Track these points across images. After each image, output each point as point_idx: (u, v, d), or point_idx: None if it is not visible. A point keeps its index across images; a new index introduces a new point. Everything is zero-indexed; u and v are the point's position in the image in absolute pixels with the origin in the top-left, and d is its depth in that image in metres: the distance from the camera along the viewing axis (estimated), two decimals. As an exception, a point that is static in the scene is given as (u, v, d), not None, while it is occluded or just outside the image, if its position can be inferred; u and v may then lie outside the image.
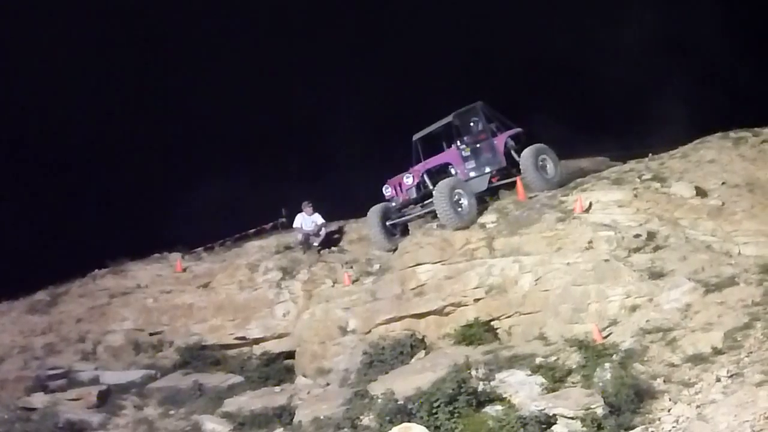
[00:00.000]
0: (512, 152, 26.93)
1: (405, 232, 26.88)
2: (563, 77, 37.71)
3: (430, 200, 25.29)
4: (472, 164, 26.57)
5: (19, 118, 37.84)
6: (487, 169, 26.56)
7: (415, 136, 27.26)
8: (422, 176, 26.11)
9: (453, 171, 26.33)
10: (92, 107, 38.69)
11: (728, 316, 17.93)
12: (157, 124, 37.91)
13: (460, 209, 24.44)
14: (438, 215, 24.68)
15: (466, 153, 26.63)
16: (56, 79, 37.74)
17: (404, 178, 26.20)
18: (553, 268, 21.86)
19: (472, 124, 27.37)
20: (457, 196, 24.56)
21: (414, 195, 26.20)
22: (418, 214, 26.30)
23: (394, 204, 26.91)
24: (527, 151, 26.27)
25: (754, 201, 22.51)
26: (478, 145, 26.83)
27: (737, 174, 23.83)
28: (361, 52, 39.89)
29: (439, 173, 26.20)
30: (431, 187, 25.33)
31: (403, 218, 26.93)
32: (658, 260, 20.76)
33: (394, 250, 26.22)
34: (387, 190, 26.80)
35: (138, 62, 40.29)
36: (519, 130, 27.63)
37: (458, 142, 26.78)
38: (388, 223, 27.09)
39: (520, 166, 26.17)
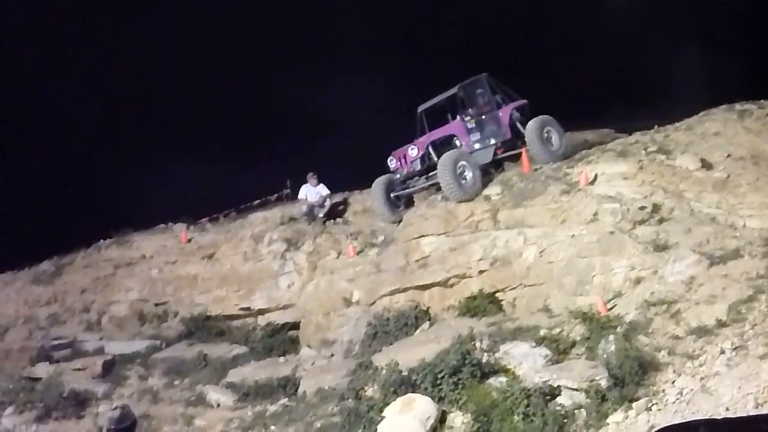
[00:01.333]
0: (517, 124, 26.76)
1: (409, 204, 26.82)
2: (567, 48, 37.56)
3: (434, 172, 25.16)
4: (476, 136, 26.44)
5: (22, 91, 37.75)
6: (492, 141, 26.44)
7: (420, 108, 27.12)
8: (427, 148, 25.98)
9: (458, 143, 26.24)
10: (96, 78, 38.63)
11: (732, 288, 17.90)
12: (162, 95, 37.81)
13: (464, 182, 24.38)
14: (442, 188, 24.67)
15: (471, 125, 26.49)
16: (54, 53, 37.64)
17: (409, 150, 26.08)
18: (557, 240, 21.83)
19: (477, 95, 27.21)
20: (461, 169, 24.48)
21: (418, 167, 26.06)
22: (423, 186, 26.22)
23: (398, 176, 26.75)
24: (532, 123, 26.09)
25: (759, 174, 22.43)
26: (483, 117, 26.68)
27: (742, 146, 23.75)
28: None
29: (443, 145, 26.07)
30: (436, 159, 25.23)
31: (408, 190, 26.82)
32: (663, 233, 20.71)
33: (399, 222, 26.18)
34: (391, 162, 26.65)
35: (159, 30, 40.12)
36: (524, 101, 27.46)
37: (463, 114, 26.68)
38: (392, 195, 26.99)
39: (525, 138, 26.02)
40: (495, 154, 26.37)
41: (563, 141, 26.33)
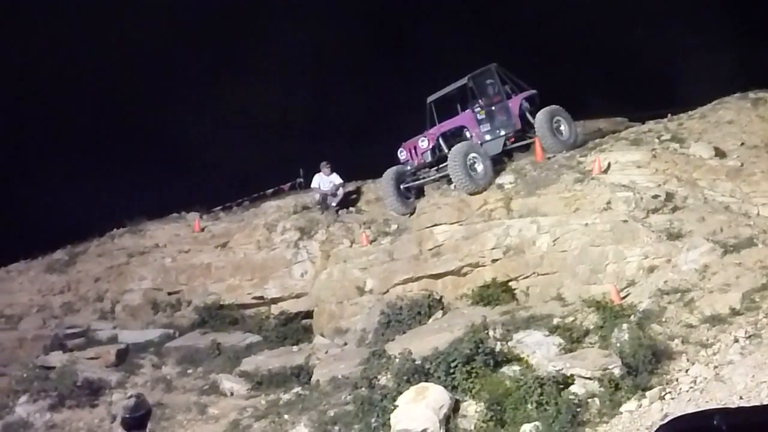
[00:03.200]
0: (527, 114, 26.64)
1: (420, 195, 26.62)
2: (582, 37, 37.38)
3: (445, 164, 25.09)
4: (487, 127, 26.28)
5: (40, 73, 37.83)
6: (502, 132, 26.27)
7: (430, 99, 26.95)
8: (437, 140, 25.84)
9: (468, 134, 26.13)
10: (106, 64, 38.62)
11: (746, 277, 17.90)
12: (172, 83, 37.79)
13: (474, 174, 24.31)
14: (452, 180, 24.64)
15: (481, 116, 26.36)
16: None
17: (419, 141, 25.94)
18: (570, 228, 21.84)
19: (486, 86, 27.06)
20: (471, 161, 24.41)
21: (429, 158, 25.93)
22: (433, 177, 26.08)
23: (408, 168, 26.59)
24: (542, 113, 25.98)
25: (772, 162, 22.44)
26: (492, 108, 26.49)
27: (756, 135, 23.73)
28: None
29: (454, 136, 26.00)
30: (446, 151, 25.18)
31: (418, 182, 26.64)
32: (676, 221, 20.70)
33: (411, 214, 26.14)
34: (402, 154, 26.51)
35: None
36: (533, 91, 27.34)
37: (473, 105, 26.58)
38: (402, 187, 26.77)
39: (535, 129, 25.95)
40: (505, 144, 26.24)
41: (573, 130, 26.22)
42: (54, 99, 36.80)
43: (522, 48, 35.35)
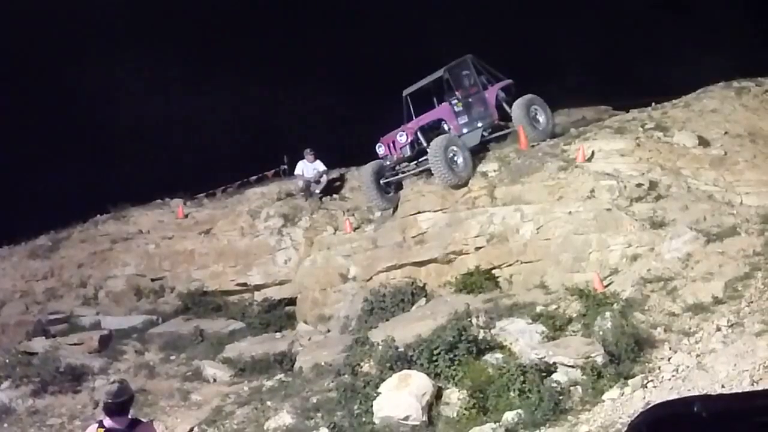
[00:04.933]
0: (504, 104, 26.49)
1: (399, 190, 26.43)
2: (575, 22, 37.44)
3: (424, 158, 24.92)
4: (464, 119, 26.06)
5: (20, 55, 37.73)
6: (480, 123, 26.06)
7: (406, 92, 26.68)
8: (416, 134, 25.59)
9: (446, 127, 25.91)
10: (94, 48, 38.56)
11: (729, 265, 17.95)
12: (160, 68, 37.74)
13: (455, 166, 24.16)
14: (434, 174, 24.51)
15: (459, 108, 26.10)
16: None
17: (397, 136, 25.63)
18: (554, 217, 21.84)
19: (462, 77, 26.82)
20: (451, 154, 24.22)
21: (408, 153, 25.67)
22: (413, 172, 25.84)
23: (388, 162, 26.27)
24: (518, 103, 25.84)
25: (756, 151, 22.45)
26: (470, 99, 26.30)
27: (739, 124, 23.75)
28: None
29: (432, 129, 25.79)
30: (425, 145, 24.98)
31: (398, 176, 26.41)
32: (660, 210, 20.72)
33: (394, 210, 26.02)
34: (380, 149, 26.21)
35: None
36: (509, 81, 27.20)
37: (450, 98, 26.31)
38: (382, 182, 26.49)
39: (512, 118, 25.87)
40: (482, 135, 26.09)
41: (550, 119, 26.16)
42: (34, 83, 36.80)
43: (503, 33, 35.40)
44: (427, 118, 26.11)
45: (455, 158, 24.24)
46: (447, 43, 31.41)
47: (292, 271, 26.39)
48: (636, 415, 4.96)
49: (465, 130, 25.83)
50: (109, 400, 10.06)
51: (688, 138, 23.13)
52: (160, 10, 38.34)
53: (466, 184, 24.13)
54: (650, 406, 5.25)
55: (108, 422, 10.03)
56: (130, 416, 10.21)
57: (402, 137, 25.54)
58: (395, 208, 26.01)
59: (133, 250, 28.42)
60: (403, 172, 26.20)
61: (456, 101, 26.14)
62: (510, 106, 26.13)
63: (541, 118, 25.90)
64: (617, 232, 20.67)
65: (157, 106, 33.96)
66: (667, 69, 31.32)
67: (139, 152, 35.12)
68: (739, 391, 13.09)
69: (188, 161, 34.30)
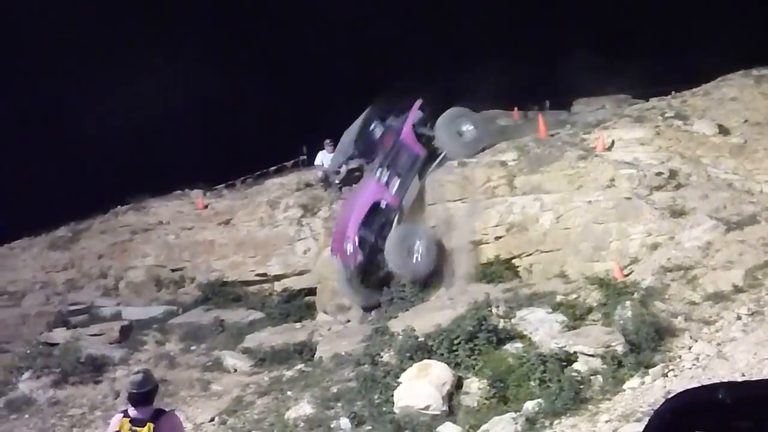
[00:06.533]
0: (424, 132, 25.08)
1: (381, 284, 23.90)
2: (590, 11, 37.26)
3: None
4: (396, 181, 24.21)
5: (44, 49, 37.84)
6: (411, 173, 24.41)
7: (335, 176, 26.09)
8: (359, 236, 23.58)
9: (383, 204, 24.02)
10: (112, 37, 38.63)
11: (749, 254, 17.90)
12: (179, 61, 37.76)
13: (417, 257, 22.87)
14: (396, 272, 23.28)
15: (384, 176, 24.18)
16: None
17: (345, 247, 23.57)
18: (574, 206, 21.79)
19: (373, 138, 25.30)
20: (407, 246, 22.90)
21: (361, 257, 23.67)
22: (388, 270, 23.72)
23: (351, 269, 23.77)
24: (439, 124, 24.78)
25: (776, 139, 22.41)
26: (390, 158, 24.39)
27: (759, 112, 23.64)
28: None
29: (374, 217, 23.92)
30: (378, 244, 23.58)
31: (374, 275, 24.29)
32: (680, 198, 20.66)
33: (377, 306, 23.71)
34: (335, 258, 24.27)
35: None
36: (417, 103, 25.37)
37: (372, 174, 24.54)
38: (355, 283, 24.02)
39: (438, 142, 24.75)
40: (420, 176, 24.47)
41: (481, 128, 25.13)
42: (55, 74, 36.86)
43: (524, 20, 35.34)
44: (359, 212, 23.94)
45: (415, 247, 22.92)
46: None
47: (312, 262, 26.38)
48: (659, 404, 4.95)
49: (402, 192, 24.22)
50: (134, 391, 10.13)
51: (708, 126, 23.06)
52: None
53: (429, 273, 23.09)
54: (674, 394, 5.25)
55: (133, 412, 10.11)
56: (153, 406, 10.28)
57: (349, 246, 23.53)
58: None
59: (153, 240, 28.52)
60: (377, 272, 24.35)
61: (379, 172, 24.35)
62: (432, 129, 25.03)
63: (469, 130, 24.82)
64: (637, 221, 20.61)
65: (176, 97, 33.88)
66: (686, 57, 31.10)
67: (158, 143, 35.13)
68: (762, 378, 13.06)
69: (208, 152, 34.34)
